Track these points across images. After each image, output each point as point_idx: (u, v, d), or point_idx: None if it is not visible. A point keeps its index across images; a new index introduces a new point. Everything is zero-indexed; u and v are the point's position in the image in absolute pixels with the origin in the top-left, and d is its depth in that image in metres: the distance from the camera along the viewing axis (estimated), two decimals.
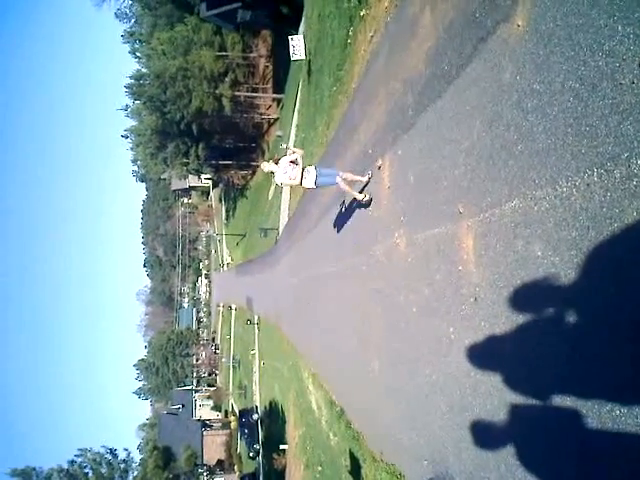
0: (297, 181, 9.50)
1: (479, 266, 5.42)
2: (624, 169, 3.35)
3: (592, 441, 3.68)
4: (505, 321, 4.82)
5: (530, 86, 4.40)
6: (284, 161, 9.47)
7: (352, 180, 9.92)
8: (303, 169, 9.48)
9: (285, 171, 9.44)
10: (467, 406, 5.68)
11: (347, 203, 11.82)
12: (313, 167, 9.66)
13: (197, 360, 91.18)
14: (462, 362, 5.79)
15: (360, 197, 9.95)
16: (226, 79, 49.36)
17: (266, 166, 9.80)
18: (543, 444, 4.33)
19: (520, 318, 4.59)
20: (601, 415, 3.53)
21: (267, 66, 53.21)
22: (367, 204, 9.93)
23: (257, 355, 43.27)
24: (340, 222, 12.89)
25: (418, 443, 7.49)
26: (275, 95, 50.57)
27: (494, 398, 5.05)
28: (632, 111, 3.28)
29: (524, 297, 4.57)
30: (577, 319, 3.84)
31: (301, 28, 30.19)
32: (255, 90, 54.65)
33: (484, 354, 5.38)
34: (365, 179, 9.90)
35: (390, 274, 8.83)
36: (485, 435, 5.36)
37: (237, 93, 51.11)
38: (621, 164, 3.37)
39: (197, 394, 76.46)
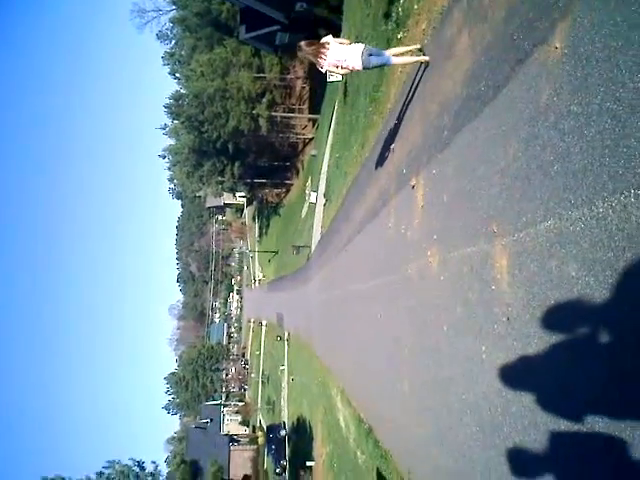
0: (345, 62, 8.54)
1: (512, 286, 5.42)
2: None
3: (627, 465, 3.64)
4: (538, 341, 4.80)
5: (567, 107, 4.42)
6: (333, 43, 8.60)
7: (403, 52, 9.27)
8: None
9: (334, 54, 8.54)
10: (498, 426, 5.65)
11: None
12: (361, 45, 8.67)
13: (227, 375, 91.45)
14: (493, 382, 5.76)
15: (425, 58, 8.99)
16: (263, 100, 50.19)
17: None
18: (576, 467, 4.29)
19: (553, 338, 4.57)
20: (635, 439, 3.50)
21: (304, 87, 53.90)
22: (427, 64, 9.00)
23: (286, 371, 43.35)
24: (369, 241, 12.95)
25: (447, 463, 7.44)
26: (311, 115, 51.18)
27: (525, 419, 5.01)
28: None
29: (557, 317, 4.56)
30: (612, 340, 3.82)
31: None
32: (291, 110, 55.36)
33: (516, 374, 5.35)
34: (422, 58, 9.02)
35: (422, 292, 8.83)
36: (515, 456, 5.31)
37: (274, 113, 51.88)
38: None
39: (225, 409, 76.53)
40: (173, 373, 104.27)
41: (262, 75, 50.29)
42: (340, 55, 8.56)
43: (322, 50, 8.53)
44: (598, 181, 3.97)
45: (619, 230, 3.75)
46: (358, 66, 8.55)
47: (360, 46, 8.61)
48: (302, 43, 8.72)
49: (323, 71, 8.88)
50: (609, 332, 3.86)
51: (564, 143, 4.45)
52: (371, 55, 8.58)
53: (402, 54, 9.31)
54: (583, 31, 4.25)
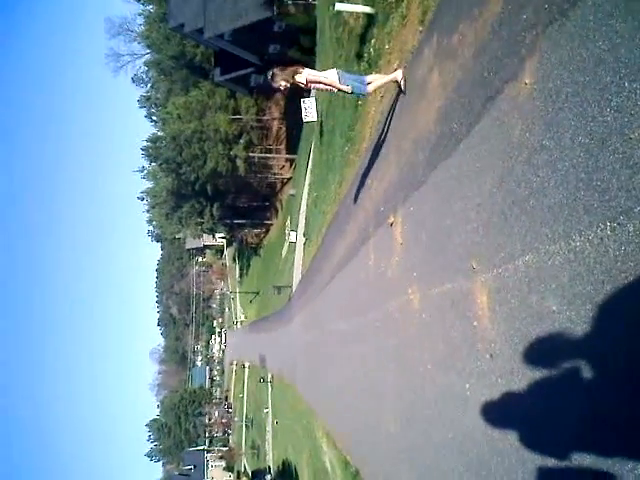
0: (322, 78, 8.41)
1: (494, 322, 5.36)
2: (638, 222, 3.34)
3: None
4: (522, 377, 4.73)
5: (540, 142, 4.44)
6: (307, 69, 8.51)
7: (381, 81, 9.06)
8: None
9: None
10: (484, 465, 5.51)
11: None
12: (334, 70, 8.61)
13: (210, 419, 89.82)
14: (478, 420, 5.65)
15: (400, 77, 8.84)
16: (240, 141, 50.58)
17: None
18: None
19: (537, 374, 4.50)
20: (623, 474, 3.41)
21: (280, 128, 54.46)
22: (404, 87, 8.85)
23: (270, 414, 42.69)
24: (352, 273, 12.89)
25: None
26: (288, 156, 51.58)
27: (512, 457, 4.90)
28: None
29: (540, 353, 4.50)
30: (596, 375, 3.76)
31: (313, 91, 30.92)
32: (269, 151, 55.79)
33: (500, 411, 5.26)
34: (399, 75, 8.88)
35: (404, 331, 8.75)
36: None
37: (251, 154, 52.26)
38: (634, 217, 3.36)
39: (209, 454, 75.01)
40: (155, 419, 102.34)
41: (238, 117, 50.78)
42: (316, 76, 8.50)
43: (297, 71, 8.40)
44: (574, 215, 3.97)
45: (597, 263, 3.72)
46: (335, 80, 8.40)
47: (334, 70, 8.57)
48: (275, 69, 8.53)
49: (305, 83, 8.50)
50: (592, 367, 3.81)
51: (538, 178, 4.46)
52: (344, 78, 8.48)
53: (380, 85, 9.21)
54: (551, 67, 4.31)
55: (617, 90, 3.53)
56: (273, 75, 8.51)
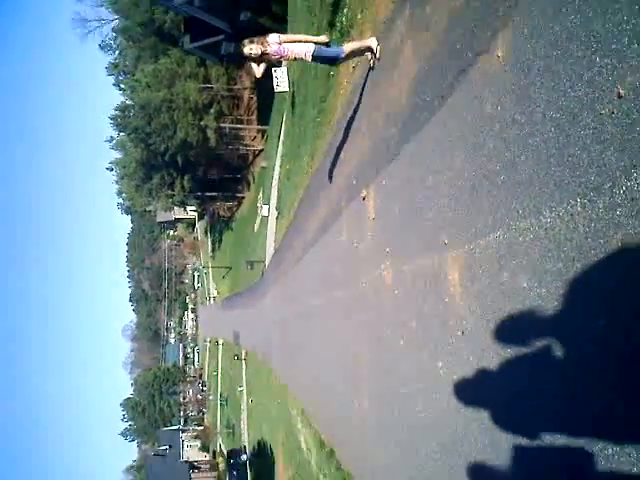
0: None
1: (465, 298, 5.34)
2: (607, 199, 3.30)
3: None
4: (493, 355, 4.72)
5: (511, 117, 4.37)
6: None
7: (357, 45, 8.78)
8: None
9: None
10: (458, 445, 5.53)
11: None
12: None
13: (184, 398, 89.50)
14: (451, 398, 5.65)
15: (374, 44, 8.52)
16: (211, 111, 49.65)
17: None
18: None
19: (508, 352, 4.49)
20: (593, 454, 3.42)
21: (251, 98, 53.60)
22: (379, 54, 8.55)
23: (245, 392, 42.63)
24: (325, 251, 12.84)
25: None
26: (260, 126, 50.83)
27: (485, 436, 4.91)
28: (613, 141, 3.24)
29: (511, 330, 4.49)
30: (565, 352, 3.75)
31: (284, 61, 30.39)
32: (240, 122, 54.93)
33: (473, 390, 5.26)
34: (373, 43, 8.55)
35: (376, 307, 8.72)
36: (477, 476, 5.21)
37: (222, 125, 51.36)
38: (604, 194, 3.33)
39: (184, 434, 74.62)
40: (129, 398, 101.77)
41: (209, 85, 49.82)
42: (289, 37, 8.33)
43: (268, 35, 8.11)
44: (545, 190, 3.92)
45: (567, 240, 3.69)
46: (309, 36, 8.37)
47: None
48: (245, 40, 8.15)
49: (277, 47, 8.04)
50: (562, 344, 3.80)
51: (509, 153, 4.40)
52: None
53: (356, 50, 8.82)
54: (523, 40, 4.21)
55: (589, 65, 3.46)
56: (242, 44, 8.16)
